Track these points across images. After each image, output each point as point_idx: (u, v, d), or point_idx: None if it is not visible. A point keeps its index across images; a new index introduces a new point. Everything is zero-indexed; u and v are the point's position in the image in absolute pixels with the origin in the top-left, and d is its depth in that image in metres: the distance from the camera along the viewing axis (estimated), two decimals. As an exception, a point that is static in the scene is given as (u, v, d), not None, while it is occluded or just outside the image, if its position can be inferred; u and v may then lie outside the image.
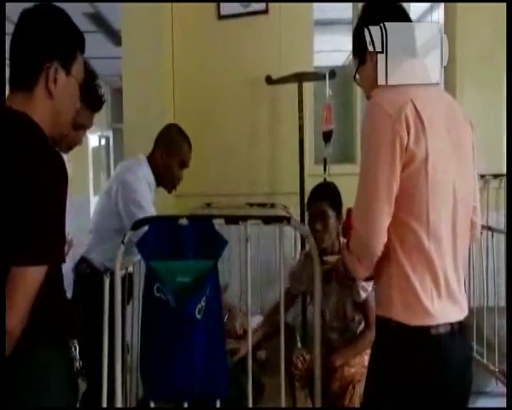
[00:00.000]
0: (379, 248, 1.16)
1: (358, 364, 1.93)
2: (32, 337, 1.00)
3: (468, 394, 1.23)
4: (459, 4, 2.84)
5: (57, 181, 1.02)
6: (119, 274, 1.43)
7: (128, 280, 1.74)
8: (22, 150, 1.00)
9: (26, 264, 0.97)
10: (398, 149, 1.11)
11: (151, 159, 2.13)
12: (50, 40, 1.09)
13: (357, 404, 1.87)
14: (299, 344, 2.41)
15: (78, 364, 1.16)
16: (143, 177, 2.04)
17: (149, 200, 2.01)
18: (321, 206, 1.96)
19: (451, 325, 1.15)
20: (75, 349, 1.15)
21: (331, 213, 1.95)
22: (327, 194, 2.03)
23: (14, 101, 1.08)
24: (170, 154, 2.13)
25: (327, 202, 1.96)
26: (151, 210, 1.94)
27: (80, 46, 1.16)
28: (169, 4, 2.85)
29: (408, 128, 1.11)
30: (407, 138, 1.11)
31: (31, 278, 0.97)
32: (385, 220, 1.14)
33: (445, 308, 1.16)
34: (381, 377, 1.21)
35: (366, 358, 1.83)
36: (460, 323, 1.17)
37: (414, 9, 4.04)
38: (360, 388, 1.81)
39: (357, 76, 1.35)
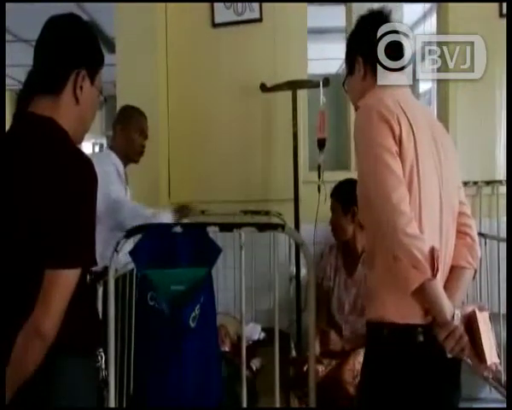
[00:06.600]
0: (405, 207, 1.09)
1: None
2: (61, 347, 0.99)
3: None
4: (451, 9, 2.85)
5: (88, 185, 1.03)
6: (112, 282, 1.43)
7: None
8: (53, 156, 1.01)
9: (61, 267, 0.97)
10: (393, 139, 1.14)
11: (113, 143, 2.28)
12: (81, 47, 1.11)
13: None
14: (294, 352, 2.40)
15: (103, 373, 1.16)
16: (110, 162, 2.16)
17: (118, 184, 2.15)
18: (332, 199, 2.35)
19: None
20: (101, 358, 1.15)
21: (337, 206, 2.31)
22: (337, 189, 2.36)
23: (39, 105, 1.08)
24: (128, 126, 2.26)
25: (333, 196, 2.35)
26: (118, 193, 2.08)
27: (102, 63, 1.18)
28: (163, 11, 2.86)
29: (399, 124, 1.15)
30: (399, 132, 1.14)
31: (65, 280, 0.98)
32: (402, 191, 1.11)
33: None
34: (374, 385, 1.21)
35: None
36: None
37: (407, 17, 4.06)
38: None
39: (346, 85, 1.42)
